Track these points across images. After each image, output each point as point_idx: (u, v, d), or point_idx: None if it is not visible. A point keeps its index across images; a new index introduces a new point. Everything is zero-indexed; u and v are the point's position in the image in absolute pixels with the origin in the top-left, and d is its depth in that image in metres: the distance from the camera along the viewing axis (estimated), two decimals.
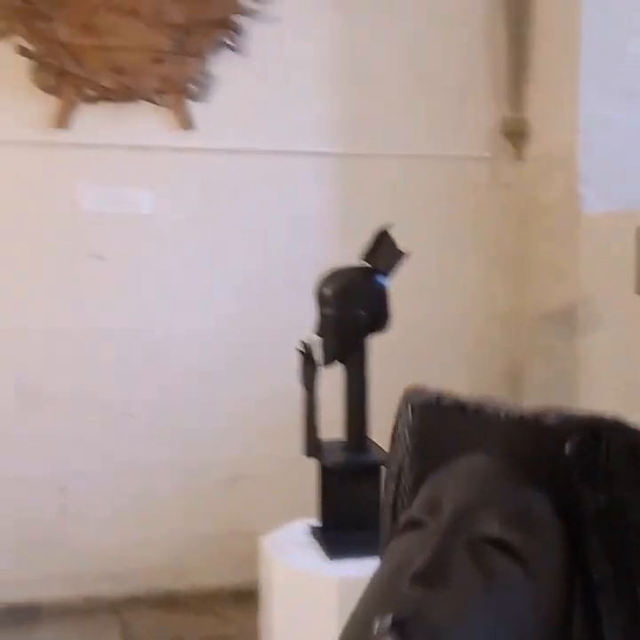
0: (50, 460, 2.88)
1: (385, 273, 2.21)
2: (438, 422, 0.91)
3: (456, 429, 0.89)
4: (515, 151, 3.21)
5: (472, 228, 3.20)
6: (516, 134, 3.19)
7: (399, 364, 2.94)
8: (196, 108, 2.98)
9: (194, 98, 2.98)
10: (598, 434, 0.82)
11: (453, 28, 3.11)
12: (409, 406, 0.92)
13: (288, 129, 3.04)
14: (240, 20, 2.98)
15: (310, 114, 3.06)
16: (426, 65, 3.12)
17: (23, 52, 2.79)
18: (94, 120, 2.90)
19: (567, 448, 0.82)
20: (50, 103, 2.86)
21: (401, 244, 2.17)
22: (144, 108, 2.93)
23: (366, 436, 2.25)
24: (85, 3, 2.82)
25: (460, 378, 3.06)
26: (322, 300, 2.19)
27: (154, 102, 2.95)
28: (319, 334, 2.19)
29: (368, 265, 2.21)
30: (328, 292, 2.18)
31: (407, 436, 0.91)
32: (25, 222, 2.86)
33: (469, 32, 3.14)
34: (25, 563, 2.86)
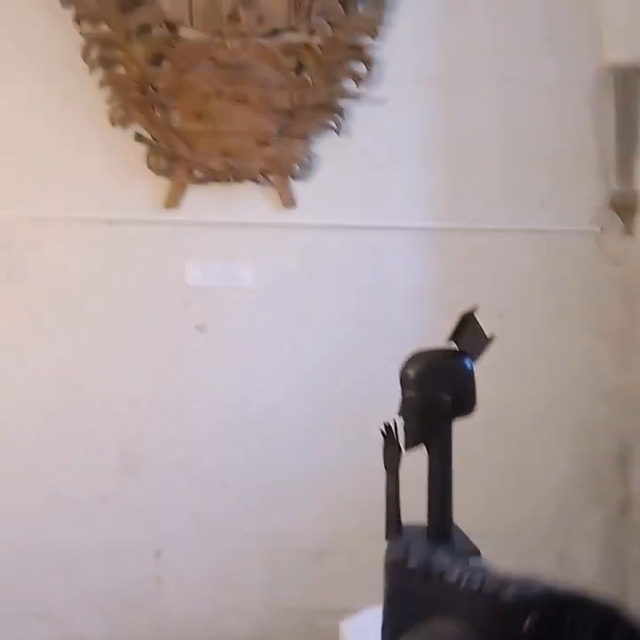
0: (147, 524, 3.00)
1: (470, 356, 2.19)
2: (406, 583, 0.90)
3: (422, 593, 0.87)
4: (623, 225, 3.11)
5: (578, 304, 3.11)
6: (624, 208, 3.10)
7: (500, 446, 2.89)
8: (298, 186, 3.08)
9: (297, 177, 3.09)
10: (563, 610, 0.77)
11: (559, 100, 3.09)
12: (384, 562, 0.91)
13: (387, 205, 3.10)
14: (343, 103, 3.06)
15: (410, 189, 3.11)
16: (530, 138, 3.11)
17: (139, 138, 3.00)
18: (202, 200, 3.07)
19: (526, 625, 0.78)
20: (162, 185, 3.05)
21: (490, 326, 2.14)
22: (249, 187, 3.07)
23: (449, 523, 2.20)
24: (198, 92, 3.01)
25: (564, 461, 2.96)
26: (405, 382, 2.19)
27: (258, 182, 3.08)
28: (402, 416, 2.19)
29: (454, 347, 2.19)
30: (411, 373, 2.18)
31: (384, 591, 0.90)
32: (132, 295, 3.05)
33: (576, 105, 3.10)
34: (119, 626, 2.97)
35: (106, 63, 2.97)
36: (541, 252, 3.12)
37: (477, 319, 2.17)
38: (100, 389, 3.03)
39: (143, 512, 3.01)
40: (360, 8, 3.03)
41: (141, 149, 3.03)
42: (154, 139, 3.03)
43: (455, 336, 2.18)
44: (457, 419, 2.19)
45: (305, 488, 3.02)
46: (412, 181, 3.13)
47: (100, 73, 2.98)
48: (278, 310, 3.11)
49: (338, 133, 3.10)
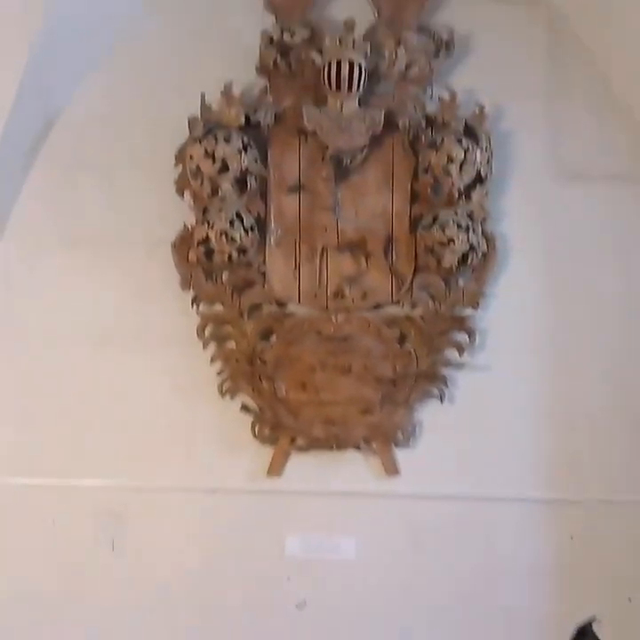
0: None
1: None
2: None
3: None
4: None
5: None
6: None
7: None
8: (401, 454, 3.04)
9: (400, 445, 3.05)
10: None
11: None
12: None
13: (494, 473, 2.99)
14: (446, 371, 3.07)
15: (517, 458, 3.02)
16: None
17: (246, 408, 3.09)
18: (304, 468, 3.07)
19: None
20: (265, 453, 3.07)
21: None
22: (351, 455, 3.05)
23: None
24: (304, 363, 3.11)
25: None
26: None
27: (361, 450, 3.06)
28: None
29: None
30: None
31: None
32: (232, 566, 2.98)
33: None
34: None
35: (218, 339, 3.14)
36: None
37: (596, 632, 1.94)
38: None
39: None
40: (461, 281, 3.11)
41: (247, 419, 3.09)
42: (260, 408, 3.10)
43: None
44: None
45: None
46: (521, 450, 3.02)
47: (212, 347, 3.11)
48: (382, 584, 2.93)
49: (441, 401, 3.07)
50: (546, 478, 3.06)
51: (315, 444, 3.10)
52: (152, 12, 3.17)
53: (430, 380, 3.12)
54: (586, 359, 3.10)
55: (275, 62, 3.12)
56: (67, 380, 3.12)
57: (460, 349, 3.11)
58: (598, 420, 3.06)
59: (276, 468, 3.10)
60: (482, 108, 3.09)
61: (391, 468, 3.08)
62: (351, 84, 3.06)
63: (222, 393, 3.12)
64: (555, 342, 3.11)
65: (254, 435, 3.10)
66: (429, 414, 3.07)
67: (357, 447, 3.10)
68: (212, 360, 3.11)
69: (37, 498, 3.09)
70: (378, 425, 3.10)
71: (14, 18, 2.79)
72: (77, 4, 2.92)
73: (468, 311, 3.12)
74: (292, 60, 3.13)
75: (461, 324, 3.12)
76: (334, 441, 3.10)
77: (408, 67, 3.14)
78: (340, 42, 3.05)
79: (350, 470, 3.06)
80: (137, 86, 3.16)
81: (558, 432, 3.08)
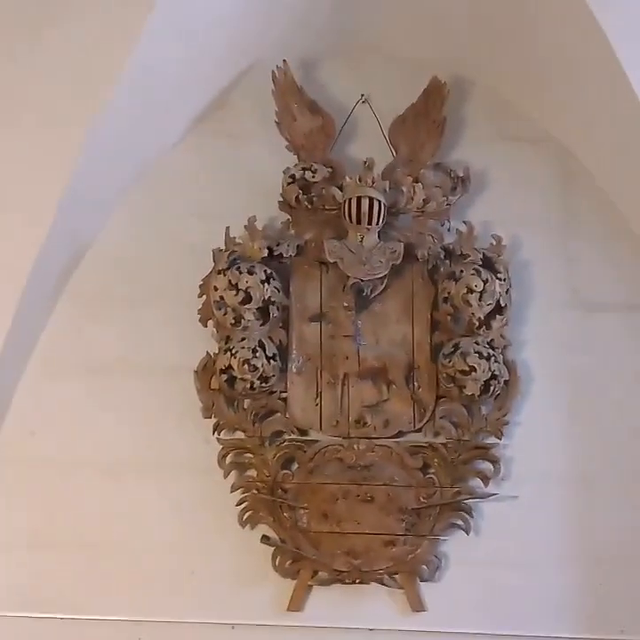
0: None
1: None
2: None
3: None
4: None
5: None
6: None
7: None
8: (426, 589, 2.94)
9: (425, 578, 2.96)
10: None
11: None
12: None
13: (521, 612, 2.89)
14: (471, 501, 3.01)
15: (546, 594, 2.91)
16: None
17: (266, 540, 3.02)
18: (326, 603, 2.98)
19: None
20: (286, 587, 2.98)
21: None
22: (374, 589, 2.96)
23: None
24: (326, 493, 3.07)
25: None
26: None
27: (384, 584, 2.96)
28: None
29: None
30: None
31: None
32: None
33: None
34: None
35: (239, 467, 3.11)
36: None
37: None
38: None
39: None
40: (484, 410, 3.09)
41: (267, 551, 3.01)
42: (281, 539, 3.03)
43: None
44: None
45: None
46: (549, 585, 2.94)
47: (233, 476, 3.07)
48: None
49: (467, 533, 3.00)
50: (574, 616, 2.95)
51: (337, 578, 3.01)
52: (178, 146, 3.28)
53: (455, 511, 3.05)
54: (612, 488, 3.01)
55: (297, 198, 3.23)
56: (83, 508, 3.08)
57: (485, 479, 3.06)
58: (628, 554, 2.95)
59: (296, 603, 3.00)
60: (499, 240, 3.17)
61: (417, 604, 2.98)
62: (371, 219, 3.15)
63: (242, 523, 3.03)
64: (583, 474, 3.04)
65: (274, 567, 3.01)
66: (455, 546, 2.99)
67: (381, 581, 2.99)
68: (233, 489, 3.05)
69: (48, 632, 2.95)
70: (402, 557, 3.01)
71: (53, 150, 2.89)
72: (115, 139, 3.04)
73: (492, 440, 3.08)
74: (313, 195, 3.22)
75: (485, 452, 3.08)
76: (357, 574, 3.01)
77: (426, 202, 3.24)
78: (359, 180, 3.16)
79: (374, 605, 2.96)
80: (162, 218, 3.27)
81: (586, 567, 2.98)
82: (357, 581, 3.02)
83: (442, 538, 3.04)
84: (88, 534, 3.08)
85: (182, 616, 3.01)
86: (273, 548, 3.05)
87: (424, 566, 3.02)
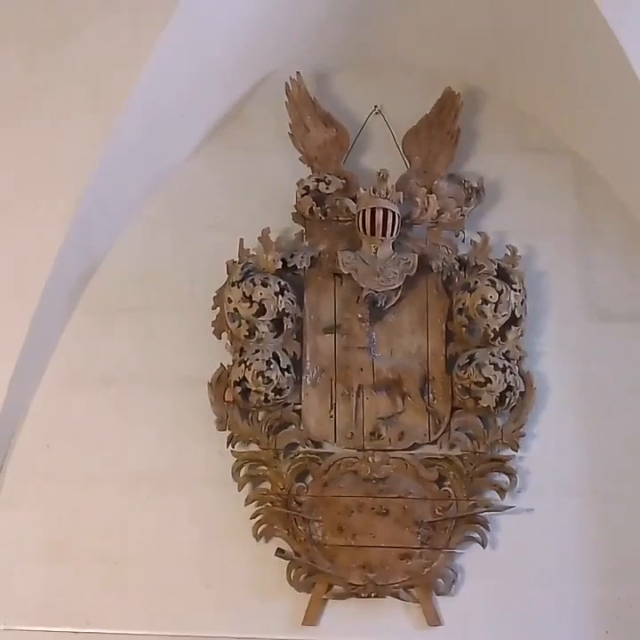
0: None
1: None
2: None
3: None
4: None
5: None
6: None
7: None
8: (442, 603, 2.92)
9: (441, 592, 2.94)
10: None
11: None
12: None
13: (538, 625, 2.87)
14: (487, 514, 2.99)
15: (564, 608, 2.97)
16: None
17: (281, 553, 3.00)
18: (341, 617, 2.96)
19: None
20: (300, 600, 2.96)
21: None
22: (390, 603, 2.94)
23: None
24: (340, 505, 3.05)
25: None
26: None
27: (400, 598, 2.94)
28: None
29: None
30: None
31: None
32: None
33: None
34: None
35: (253, 479, 3.10)
36: None
37: None
38: None
39: None
40: (499, 421, 3.07)
41: (282, 564, 3.00)
42: (295, 553, 3.01)
43: None
44: None
45: None
46: (566, 599, 2.93)
47: (247, 489, 3.06)
48: None
49: (483, 546, 2.97)
50: (592, 630, 2.90)
51: (352, 592, 2.99)
52: (195, 154, 3.29)
53: (471, 524, 3.03)
54: (630, 500, 2.99)
55: (310, 210, 3.22)
56: (98, 520, 3.07)
57: (501, 491, 3.04)
58: None
59: (312, 617, 2.99)
60: (514, 250, 3.15)
61: (433, 618, 2.96)
62: (385, 230, 3.14)
63: (257, 536, 3.02)
64: (597, 483, 3.02)
65: (289, 581, 2.99)
66: (471, 559, 2.97)
67: (396, 595, 2.97)
68: (247, 502, 3.04)
69: None
70: (417, 571, 2.99)
71: (70, 161, 2.90)
72: (130, 152, 3.05)
73: (508, 452, 3.06)
74: (327, 207, 3.21)
75: (501, 465, 3.06)
76: (372, 588, 2.99)
77: (440, 213, 3.23)
78: (373, 191, 3.15)
79: (390, 620, 2.94)
80: (176, 230, 3.27)
81: (603, 580, 2.96)
82: (373, 595, 2.99)
83: (458, 551, 2.99)
84: (104, 547, 3.07)
85: (198, 630, 3.00)
86: (288, 562, 3.01)
87: (440, 580, 3.00)
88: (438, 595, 2.97)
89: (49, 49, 2.84)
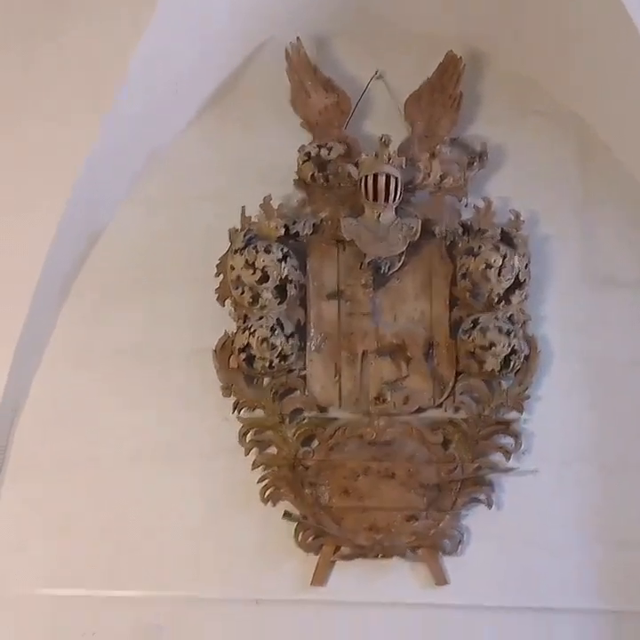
0: None
1: None
2: None
3: None
4: None
5: None
6: None
7: None
8: (449, 562, 2.95)
9: (447, 552, 2.97)
10: None
11: None
12: None
13: (545, 583, 2.88)
14: (493, 476, 3.01)
15: (568, 568, 2.93)
16: None
17: (288, 515, 3.03)
18: (349, 577, 2.99)
19: None
20: (309, 562, 3.00)
21: None
22: (397, 563, 2.98)
23: None
24: (347, 469, 3.08)
25: None
26: None
27: (407, 558, 2.98)
28: None
29: None
30: None
31: None
32: None
33: None
34: None
35: (260, 445, 3.12)
36: None
37: None
38: None
39: None
40: (504, 384, 3.09)
41: (290, 527, 3.03)
42: (303, 516, 3.04)
43: None
44: None
45: None
46: (570, 559, 2.98)
47: (253, 453, 3.09)
48: None
49: (489, 507, 3.01)
50: (595, 589, 2.96)
51: (359, 553, 3.03)
52: (192, 126, 3.28)
53: (476, 485, 3.06)
54: (632, 463, 3.02)
55: (312, 176, 3.22)
56: (109, 489, 3.09)
57: (506, 453, 3.07)
58: None
59: (320, 578, 3.02)
60: (517, 215, 3.15)
61: (440, 578, 3.00)
62: (388, 196, 3.14)
63: (264, 500, 3.05)
64: (601, 446, 3.05)
65: (297, 543, 3.03)
66: (477, 520, 3.01)
67: (403, 555, 3.01)
68: (254, 466, 3.06)
69: (78, 609, 3.01)
70: (424, 532, 3.03)
71: (71, 135, 2.90)
72: (128, 126, 3.04)
73: (513, 414, 3.08)
74: (329, 173, 3.21)
75: (506, 427, 3.09)
76: (379, 549, 3.02)
77: (443, 177, 3.22)
78: (375, 156, 3.14)
79: (397, 579, 2.98)
80: (177, 202, 3.26)
81: (607, 540, 2.98)
82: (380, 556, 3.03)
83: (463, 512, 3.02)
84: (115, 516, 3.11)
85: (207, 592, 3.03)
86: (295, 524, 3.04)
87: (446, 540, 3.04)
88: (445, 555, 2.99)
89: (47, 27, 2.81)
